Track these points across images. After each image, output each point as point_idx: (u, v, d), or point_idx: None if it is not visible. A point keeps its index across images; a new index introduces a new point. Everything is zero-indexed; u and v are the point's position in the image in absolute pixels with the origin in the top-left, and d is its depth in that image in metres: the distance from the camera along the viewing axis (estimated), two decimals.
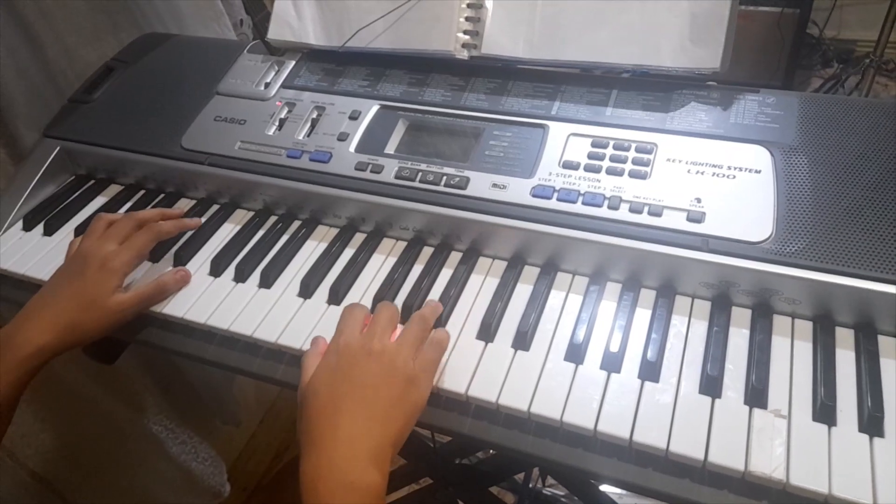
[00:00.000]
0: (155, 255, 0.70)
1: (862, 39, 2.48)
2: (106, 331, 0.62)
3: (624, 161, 0.64)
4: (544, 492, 1.30)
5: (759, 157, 0.61)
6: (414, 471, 1.12)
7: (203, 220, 0.75)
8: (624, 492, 1.14)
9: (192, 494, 1.26)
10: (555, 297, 0.61)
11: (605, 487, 1.07)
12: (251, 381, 1.38)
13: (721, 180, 0.61)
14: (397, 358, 0.52)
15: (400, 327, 0.57)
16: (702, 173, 0.61)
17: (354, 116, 0.74)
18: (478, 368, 0.56)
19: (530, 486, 1.29)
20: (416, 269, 0.66)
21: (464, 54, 0.75)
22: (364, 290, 0.64)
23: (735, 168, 0.61)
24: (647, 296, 0.60)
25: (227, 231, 0.73)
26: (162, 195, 0.80)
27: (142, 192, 0.81)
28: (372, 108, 0.75)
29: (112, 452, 1.07)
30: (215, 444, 1.30)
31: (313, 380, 0.53)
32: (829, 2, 2.39)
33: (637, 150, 0.64)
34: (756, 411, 0.50)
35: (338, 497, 0.46)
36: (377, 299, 0.62)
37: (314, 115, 0.76)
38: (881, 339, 0.54)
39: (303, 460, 0.49)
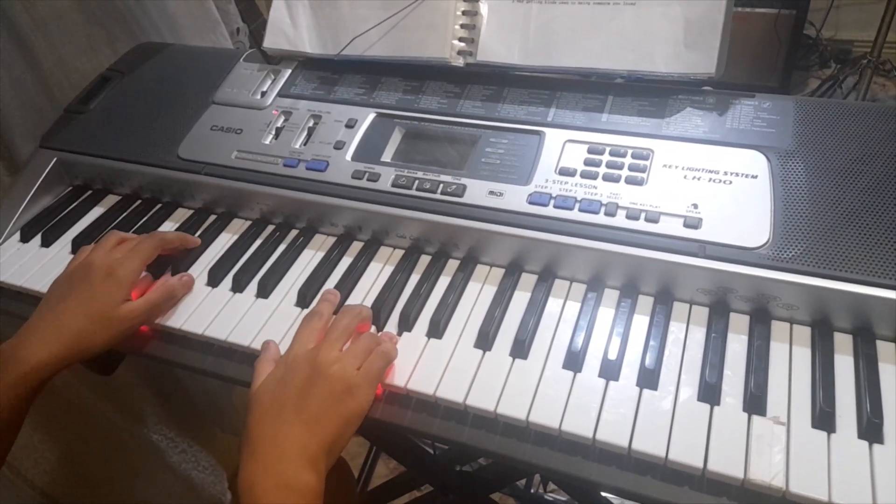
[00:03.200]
0: (153, 269, 0.68)
1: (859, 40, 2.48)
2: (114, 342, 0.61)
3: (620, 167, 0.64)
4: (546, 497, 1.29)
5: (755, 162, 0.61)
6: (414, 478, 1.12)
7: (200, 230, 0.74)
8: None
9: (194, 503, 1.25)
10: (552, 305, 0.61)
11: (606, 492, 1.07)
12: None
13: (718, 186, 0.60)
14: (336, 366, 0.54)
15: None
16: (698, 179, 0.61)
17: (351, 125, 0.74)
18: (476, 377, 0.55)
19: (532, 491, 1.29)
20: (414, 278, 0.66)
21: (459, 61, 0.75)
22: (362, 299, 0.64)
23: (731, 173, 0.61)
24: (645, 302, 0.60)
25: (224, 241, 0.73)
26: (159, 205, 0.80)
27: (138, 202, 0.81)
28: (368, 116, 0.75)
29: (113, 463, 1.07)
30: (215, 453, 1.29)
31: (259, 389, 0.55)
32: (825, 2, 2.39)
33: (633, 157, 0.64)
34: (755, 418, 0.50)
35: (273, 497, 0.48)
36: (375, 308, 0.62)
37: (310, 124, 0.76)
38: (880, 343, 0.54)
39: (241, 467, 0.51)
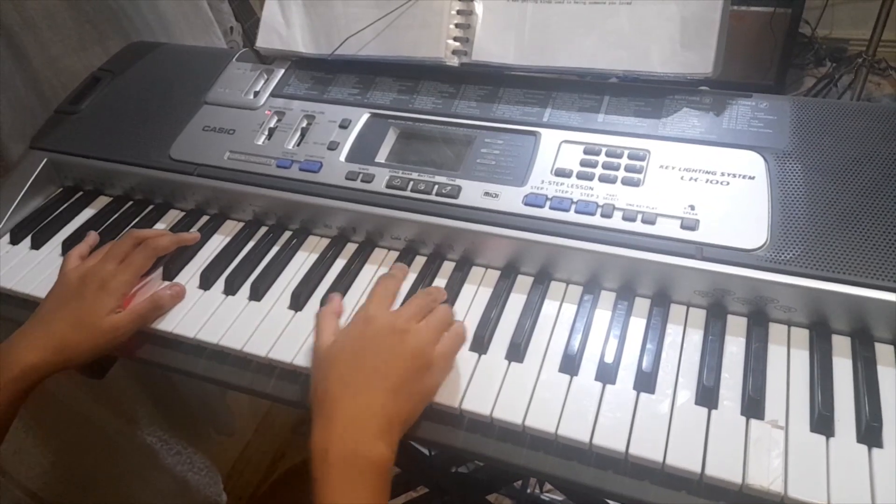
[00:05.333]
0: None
1: (854, 38, 2.49)
2: (100, 351, 0.62)
3: (617, 168, 0.63)
4: (542, 498, 1.29)
5: (752, 163, 0.61)
6: (410, 479, 1.11)
7: (192, 231, 0.73)
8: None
9: None
10: (549, 307, 0.60)
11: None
12: None
13: (715, 187, 0.60)
14: (420, 340, 0.53)
15: None
16: (695, 180, 0.61)
17: (344, 125, 0.73)
18: (471, 381, 0.55)
19: (528, 492, 1.28)
20: (409, 280, 0.65)
21: (454, 61, 0.75)
22: (356, 301, 0.64)
23: (729, 174, 0.60)
24: (642, 305, 0.59)
25: (216, 243, 0.72)
26: (150, 206, 0.79)
27: (130, 203, 0.80)
28: (362, 117, 0.74)
29: (106, 466, 1.06)
30: (210, 455, 1.29)
31: (335, 346, 0.54)
32: (821, 1, 2.40)
33: (630, 157, 0.64)
34: (753, 422, 0.49)
35: (347, 465, 0.47)
36: None
37: (304, 124, 0.75)
38: (878, 346, 0.53)
39: (315, 426, 0.50)
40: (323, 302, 0.63)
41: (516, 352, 0.56)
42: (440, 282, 0.64)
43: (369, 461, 0.48)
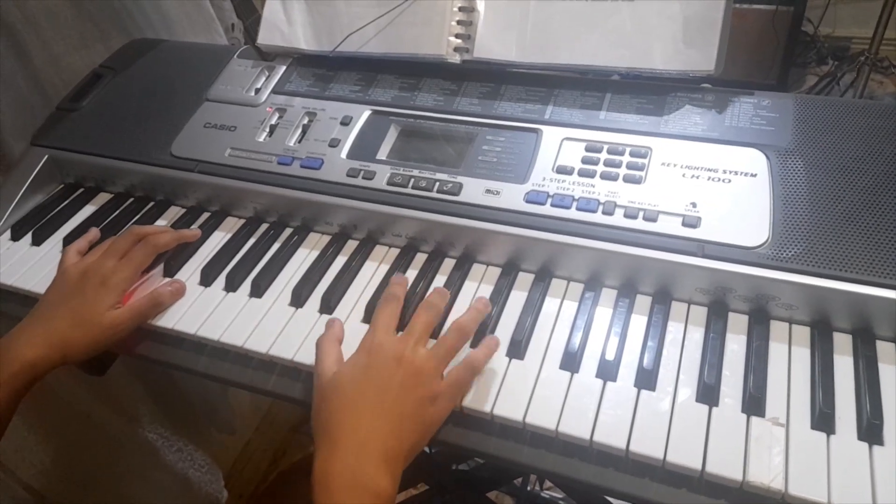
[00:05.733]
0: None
1: (857, 37, 2.48)
2: (100, 347, 0.62)
3: (618, 165, 0.63)
4: (542, 495, 1.29)
5: (754, 161, 0.61)
6: (410, 477, 1.11)
7: (193, 228, 0.73)
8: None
9: (190, 502, 1.24)
10: (550, 305, 0.60)
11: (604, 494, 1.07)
12: None
13: (716, 184, 0.60)
14: (425, 371, 0.52)
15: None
16: (697, 177, 0.61)
17: (346, 122, 0.73)
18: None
19: (528, 489, 1.28)
20: (410, 277, 0.65)
21: (455, 58, 0.75)
22: (357, 298, 0.64)
23: (730, 172, 0.60)
24: (643, 302, 0.59)
25: (217, 239, 0.72)
26: (151, 203, 0.79)
27: (131, 200, 0.80)
28: (363, 114, 0.74)
29: (108, 463, 1.06)
30: (210, 452, 1.29)
31: (339, 375, 0.53)
32: None
33: (631, 155, 0.63)
34: (754, 419, 0.49)
35: (348, 497, 0.47)
36: (369, 309, 0.61)
37: (305, 121, 0.75)
38: (879, 344, 0.53)
39: (318, 453, 0.49)
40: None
41: (517, 349, 0.56)
42: (441, 279, 0.64)
43: (371, 493, 0.47)
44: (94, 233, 0.72)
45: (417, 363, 0.53)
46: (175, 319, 0.63)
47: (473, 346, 0.57)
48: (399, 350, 0.53)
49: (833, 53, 2.53)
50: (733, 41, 0.65)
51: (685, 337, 0.56)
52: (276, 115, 0.77)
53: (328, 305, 0.62)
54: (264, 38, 0.82)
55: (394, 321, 0.57)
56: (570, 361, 0.55)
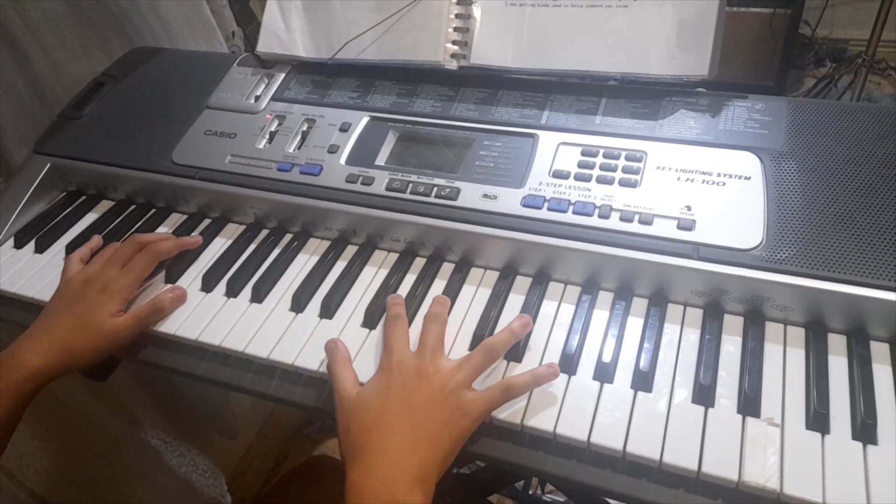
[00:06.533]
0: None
1: (854, 38, 2.49)
2: (103, 354, 0.62)
3: (614, 169, 0.64)
4: (544, 499, 1.29)
5: (748, 164, 0.61)
6: None
7: (194, 234, 0.74)
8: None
9: None
10: (547, 307, 0.61)
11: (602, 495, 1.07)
12: None
13: (711, 188, 0.60)
14: (450, 383, 0.52)
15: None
16: (692, 181, 0.61)
17: (345, 128, 0.74)
18: None
19: (529, 493, 1.28)
20: (408, 281, 0.66)
21: (453, 64, 0.75)
22: (356, 302, 0.64)
23: (725, 175, 0.61)
24: (639, 304, 0.60)
25: (218, 246, 0.73)
26: (153, 210, 0.80)
27: (133, 207, 0.81)
28: (362, 120, 0.75)
29: (111, 468, 1.07)
30: (212, 457, 1.29)
31: (364, 394, 0.53)
32: (820, 1, 2.40)
33: (627, 159, 0.64)
34: (749, 420, 0.50)
35: None
36: (369, 313, 0.62)
37: (304, 128, 0.76)
38: (873, 344, 0.54)
39: (350, 471, 0.50)
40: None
41: (515, 352, 0.57)
42: (439, 283, 0.65)
43: None
44: (96, 240, 0.72)
45: (441, 376, 0.53)
46: (177, 325, 0.64)
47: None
48: (419, 365, 0.54)
49: (831, 55, 2.54)
50: (731, 44, 0.66)
51: (681, 339, 0.56)
52: (276, 122, 0.77)
53: (328, 310, 0.63)
54: (263, 45, 0.83)
55: (405, 339, 0.57)
56: (568, 363, 0.55)
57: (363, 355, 0.59)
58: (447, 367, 0.54)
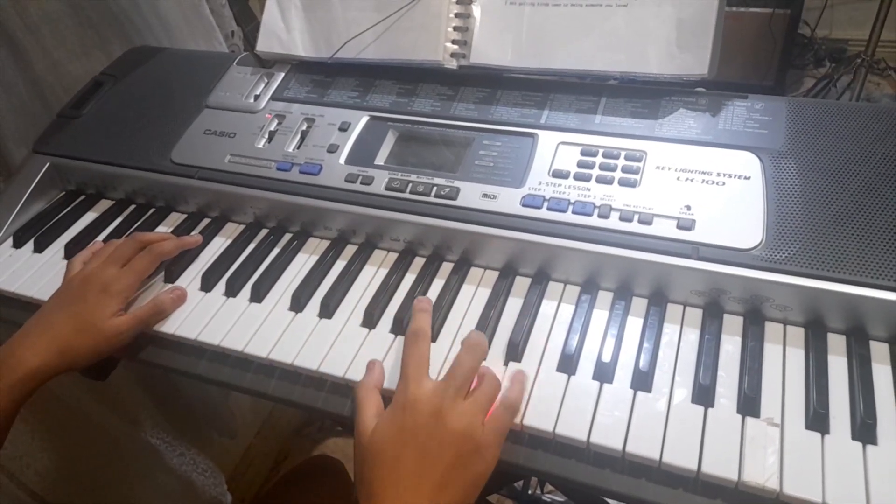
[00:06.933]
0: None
1: (853, 38, 2.49)
2: (102, 354, 0.62)
3: (613, 169, 0.64)
4: (544, 498, 1.29)
5: (748, 164, 0.61)
6: None
7: (193, 234, 0.74)
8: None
9: None
10: (546, 307, 0.61)
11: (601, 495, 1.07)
12: None
13: (711, 187, 0.60)
14: (466, 423, 0.49)
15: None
16: (691, 180, 0.61)
17: (344, 128, 0.74)
18: None
19: (529, 493, 1.29)
20: (408, 281, 0.66)
21: (452, 64, 0.75)
22: (355, 302, 0.64)
23: (724, 175, 0.61)
24: (639, 304, 0.60)
25: (217, 245, 0.73)
26: (152, 210, 0.80)
27: (132, 206, 0.81)
28: (361, 119, 0.75)
29: (111, 468, 1.07)
30: (212, 456, 1.29)
31: (377, 434, 0.50)
32: (820, 1, 2.40)
33: (626, 158, 0.64)
34: (749, 420, 0.50)
35: None
36: (368, 312, 0.62)
37: (304, 127, 0.76)
38: (873, 344, 0.54)
39: None
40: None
41: (514, 351, 0.57)
42: (438, 282, 0.65)
43: None
44: (98, 245, 0.72)
45: (458, 414, 0.49)
46: (176, 325, 0.64)
47: None
48: (437, 405, 0.50)
49: (830, 55, 2.54)
50: (730, 44, 0.66)
51: (681, 338, 0.56)
52: (275, 122, 0.77)
53: (327, 310, 0.63)
54: (263, 45, 0.83)
55: (424, 365, 0.53)
56: (567, 363, 0.55)
57: (363, 355, 0.59)
58: (464, 410, 0.50)
